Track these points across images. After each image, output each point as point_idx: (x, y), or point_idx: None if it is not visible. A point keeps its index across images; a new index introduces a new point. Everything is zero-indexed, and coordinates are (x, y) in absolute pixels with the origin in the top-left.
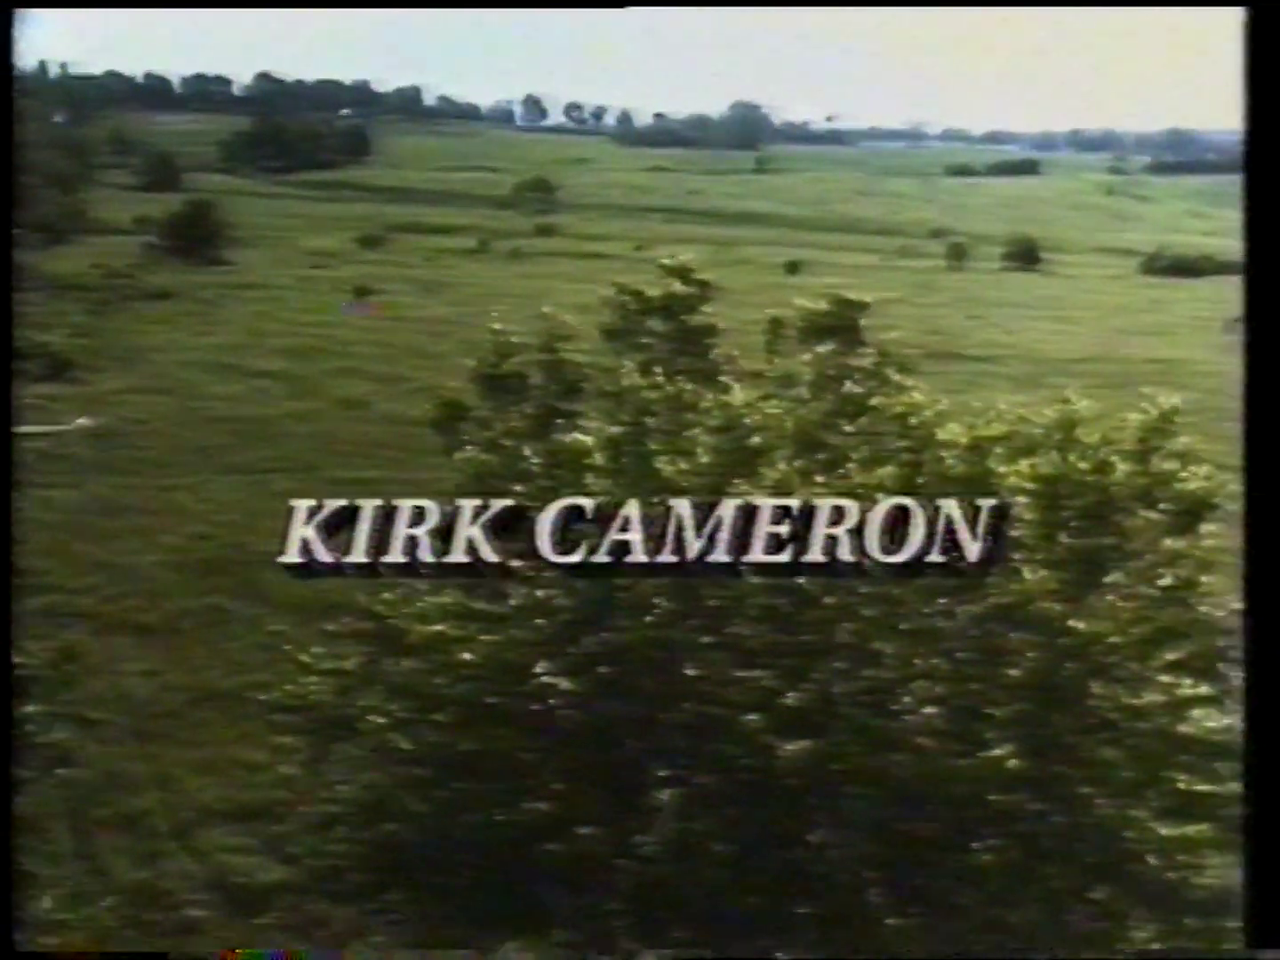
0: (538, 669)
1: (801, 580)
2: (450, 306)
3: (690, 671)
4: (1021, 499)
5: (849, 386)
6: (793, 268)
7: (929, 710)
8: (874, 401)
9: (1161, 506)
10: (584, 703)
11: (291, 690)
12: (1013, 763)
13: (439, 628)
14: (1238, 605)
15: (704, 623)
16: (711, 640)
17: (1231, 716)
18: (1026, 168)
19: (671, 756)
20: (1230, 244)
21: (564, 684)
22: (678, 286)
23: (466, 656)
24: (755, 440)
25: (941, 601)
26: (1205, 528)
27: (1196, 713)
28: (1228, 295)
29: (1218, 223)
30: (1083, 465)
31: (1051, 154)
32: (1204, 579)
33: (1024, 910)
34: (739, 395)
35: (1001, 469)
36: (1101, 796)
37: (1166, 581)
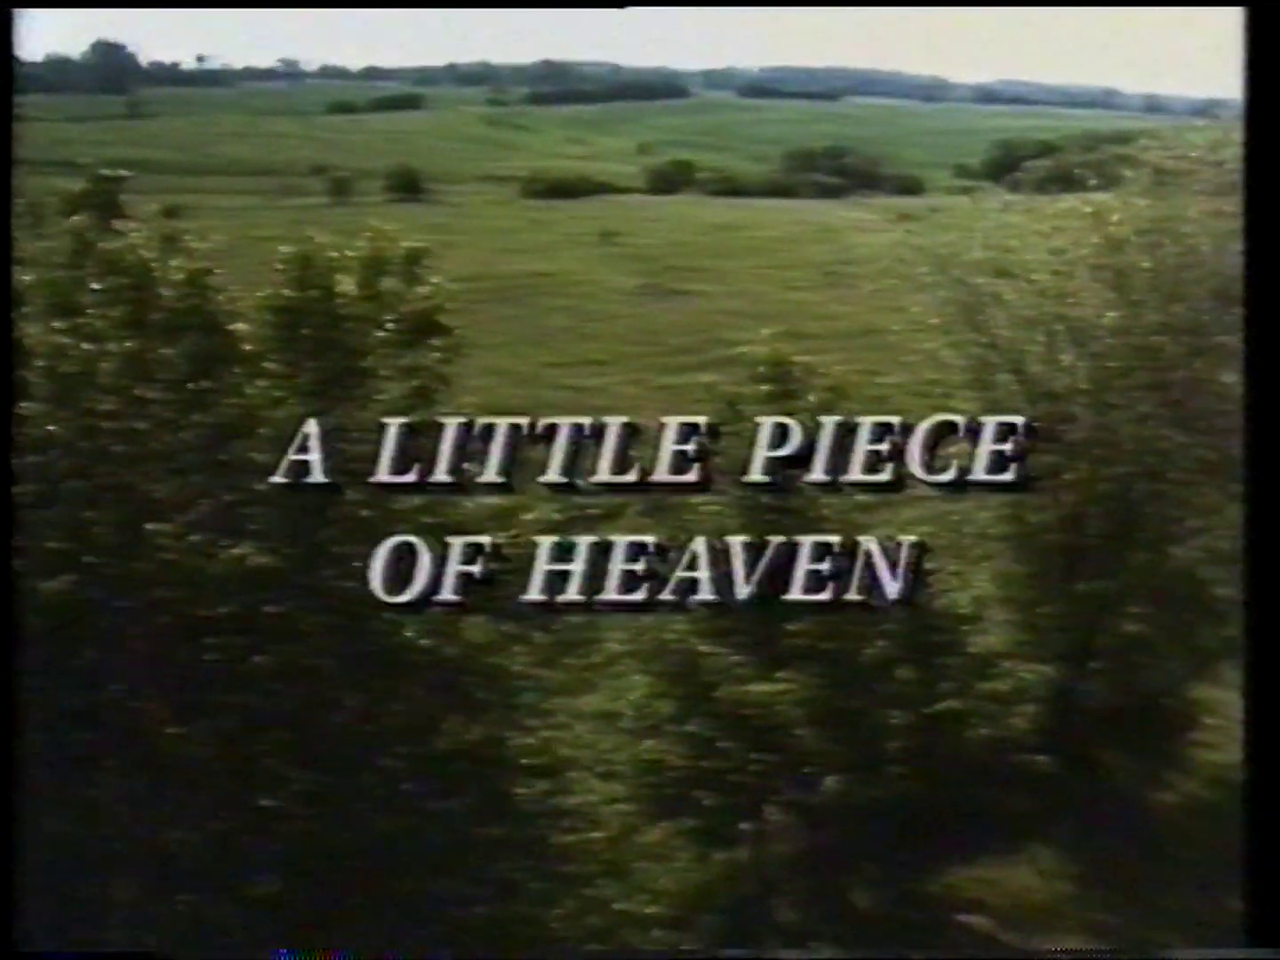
0: None
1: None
2: None
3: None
4: (253, 328)
5: (98, 248)
6: (171, 212)
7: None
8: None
9: (389, 326)
10: None
11: None
12: (256, 562)
13: None
14: None
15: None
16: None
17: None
18: (409, 103)
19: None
20: (604, 166)
21: None
22: None
23: None
24: None
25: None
26: (433, 341)
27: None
28: (602, 212)
29: (593, 147)
30: (312, 293)
31: (432, 89)
32: (440, 387)
33: (355, 697)
34: None
35: (229, 307)
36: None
37: (403, 390)
